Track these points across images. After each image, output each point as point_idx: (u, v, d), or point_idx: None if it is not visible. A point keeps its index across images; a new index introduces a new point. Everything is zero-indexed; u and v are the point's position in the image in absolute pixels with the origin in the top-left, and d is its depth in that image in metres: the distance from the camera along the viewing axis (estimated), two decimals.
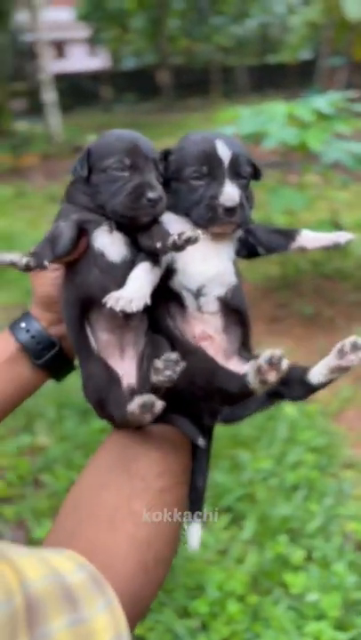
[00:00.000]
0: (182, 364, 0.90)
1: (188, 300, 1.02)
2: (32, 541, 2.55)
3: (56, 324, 1.15)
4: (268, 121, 4.56)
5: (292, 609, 2.22)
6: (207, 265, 1.03)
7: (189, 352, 1.00)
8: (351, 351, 0.96)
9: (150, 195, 0.97)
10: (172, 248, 0.94)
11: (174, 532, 0.95)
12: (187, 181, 1.03)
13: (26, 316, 1.17)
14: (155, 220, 1.00)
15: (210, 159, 1.02)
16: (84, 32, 26.80)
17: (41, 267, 0.94)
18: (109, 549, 0.84)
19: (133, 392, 0.99)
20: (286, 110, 4.49)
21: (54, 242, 0.97)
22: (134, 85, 27.35)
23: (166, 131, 15.27)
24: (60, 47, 31.09)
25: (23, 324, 1.15)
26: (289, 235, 1.06)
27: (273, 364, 0.90)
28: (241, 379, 0.95)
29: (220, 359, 1.02)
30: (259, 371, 0.91)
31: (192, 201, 1.03)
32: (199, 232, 0.93)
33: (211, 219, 1.01)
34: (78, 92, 25.33)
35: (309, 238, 1.05)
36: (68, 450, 3.11)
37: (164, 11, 22.00)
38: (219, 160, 1.02)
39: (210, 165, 1.02)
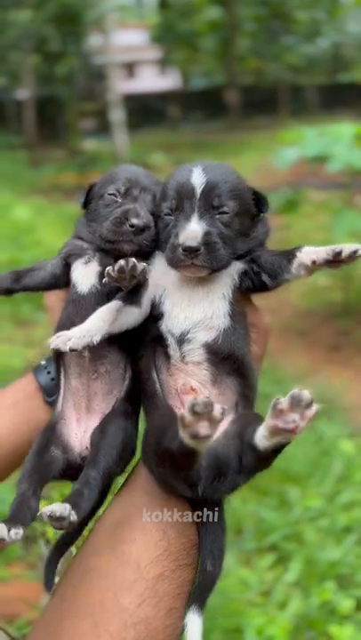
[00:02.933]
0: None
1: (172, 348, 0.92)
2: None
3: None
4: (333, 142, 4.45)
5: None
6: (193, 308, 0.92)
7: (157, 408, 0.90)
8: (291, 409, 0.75)
9: (134, 221, 0.95)
10: (112, 277, 0.87)
11: (173, 628, 0.83)
12: (161, 217, 0.97)
13: (51, 357, 1.15)
14: (140, 254, 0.96)
15: (181, 192, 0.93)
16: (154, 53, 27.49)
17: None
18: None
19: (83, 460, 0.94)
20: (354, 131, 4.36)
21: (29, 273, 1.04)
22: (202, 105, 27.68)
23: (231, 149, 15.30)
24: (130, 68, 31.98)
25: (45, 366, 1.16)
26: (291, 253, 0.93)
27: (198, 413, 0.71)
28: (177, 435, 0.77)
29: None
30: (183, 423, 0.73)
31: (164, 238, 0.95)
32: (138, 263, 0.86)
33: (172, 260, 0.91)
34: (146, 111, 25.90)
35: (310, 252, 0.90)
36: None
37: (234, 32, 22.19)
38: (190, 192, 0.92)
39: (180, 199, 0.93)
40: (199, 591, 0.90)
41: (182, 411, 0.74)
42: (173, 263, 0.91)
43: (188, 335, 0.90)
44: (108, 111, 16.34)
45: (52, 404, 1.12)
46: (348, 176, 5.00)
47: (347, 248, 0.86)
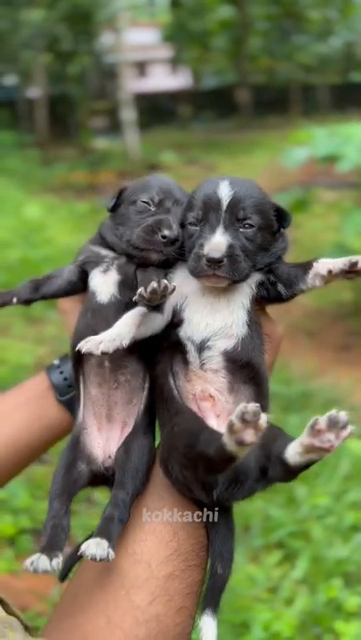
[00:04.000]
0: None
1: (191, 355, 0.94)
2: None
3: None
4: (344, 142, 4.45)
5: None
6: (214, 316, 0.94)
7: (178, 412, 0.92)
8: (328, 429, 0.78)
9: (166, 232, 0.97)
10: (144, 298, 0.88)
11: (183, 626, 0.85)
12: (186, 226, 0.99)
13: (64, 356, 1.18)
14: (167, 264, 0.99)
15: (207, 204, 0.95)
16: (166, 52, 27.50)
17: (10, 303, 1.03)
18: None
19: (106, 470, 0.96)
20: None
21: (47, 281, 1.05)
22: (213, 104, 27.65)
23: (242, 148, 15.29)
24: (142, 67, 32.02)
25: (58, 365, 1.17)
26: (307, 264, 0.97)
27: (247, 420, 0.74)
28: (218, 440, 0.79)
29: (222, 423, 0.89)
30: (231, 429, 0.75)
31: (188, 248, 0.97)
32: (169, 284, 0.88)
33: (195, 269, 0.93)
34: (157, 110, 25.92)
35: (326, 262, 0.94)
36: None
37: (246, 31, 22.16)
38: (216, 204, 0.94)
39: (206, 210, 0.95)
40: (211, 594, 0.92)
41: (231, 417, 0.75)
42: (196, 272, 0.94)
43: (209, 342, 0.93)
44: (120, 110, 16.39)
45: (64, 403, 1.15)
46: (358, 176, 5.01)
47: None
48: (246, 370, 0.94)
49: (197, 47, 24.65)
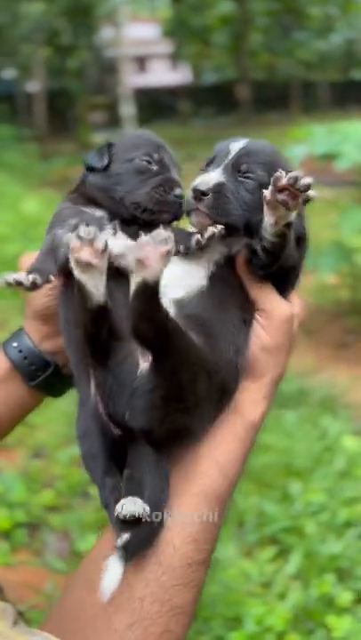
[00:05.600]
0: None
1: None
2: (75, 553, 2.58)
3: (51, 338, 1.07)
4: (342, 140, 4.45)
5: None
6: (177, 266, 0.92)
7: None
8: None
9: (178, 191, 0.94)
10: (197, 248, 0.88)
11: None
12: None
13: (18, 333, 1.09)
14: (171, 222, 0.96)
15: (218, 152, 0.97)
16: (166, 48, 27.42)
17: (48, 282, 0.90)
18: None
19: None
20: None
21: (55, 252, 0.93)
22: (213, 100, 27.58)
23: None
24: (142, 62, 31.92)
25: (15, 343, 1.08)
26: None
27: (82, 238, 0.78)
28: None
29: None
30: (72, 250, 0.80)
31: None
32: (219, 227, 0.88)
33: (187, 205, 0.94)
34: (157, 106, 25.84)
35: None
36: None
37: (246, 27, 22.11)
38: (225, 153, 0.95)
39: (214, 157, 0.97)
40: (136, 539, 0.84)
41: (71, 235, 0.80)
42: (187, 207, 0.94)
43: (165, 290, 0.86)
44: (119, 105, 16.36)
45: (35, 387, 1.08)
46: (357, 174, 5.01)
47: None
48: (196, 322, 0.90)
49: (198, 43, 24.58)
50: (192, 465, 0.90)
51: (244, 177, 0.93)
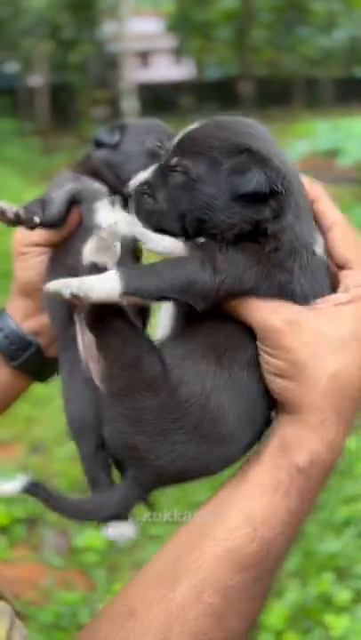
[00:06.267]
0: None
1: None
2: (73, 549, 2.57)
3: (34, 316, 1.04)
4: (345, 137, 4.43)
5: None
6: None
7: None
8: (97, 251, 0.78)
9: None
10: None
11: None
12: None
13: (0, 313, 1.06)
14: None
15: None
16: (169, 42, 27.33)
17: (30, 222, 0.88)
18: None
19: None
20: None
21: (44, 206, 0.91)
22: (216, 95, 27.51)
23: None
24: (144, 57, 31.82)
25: None
26: None
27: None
28: None
29: None
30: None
31: None
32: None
33: None
34: (160, 100, 25.79)
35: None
36: None
37: (250, 22, 22.04)
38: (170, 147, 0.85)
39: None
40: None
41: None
42: None
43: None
44: (121, 100, 16.32)
45: (18, 368, 1.04)
46: (359, 171, 4.99)
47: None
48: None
49: (201, 38, 24.50)
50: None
51: (172, 171, 0.80)
